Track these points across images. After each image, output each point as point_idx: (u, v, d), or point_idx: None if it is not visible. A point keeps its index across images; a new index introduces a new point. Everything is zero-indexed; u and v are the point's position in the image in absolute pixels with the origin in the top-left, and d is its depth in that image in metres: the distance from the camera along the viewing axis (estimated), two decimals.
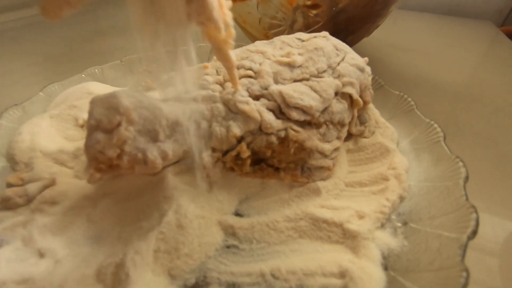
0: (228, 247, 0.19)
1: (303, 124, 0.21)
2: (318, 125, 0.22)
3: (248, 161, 0.21)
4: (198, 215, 0.19)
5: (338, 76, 0.23)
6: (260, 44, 0.25)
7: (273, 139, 0.20)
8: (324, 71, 0.23)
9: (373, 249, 0.18)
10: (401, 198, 0.21)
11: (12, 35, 0.55)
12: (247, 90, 0.21)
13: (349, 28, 0.38)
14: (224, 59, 0.19)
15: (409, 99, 0.27)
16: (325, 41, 0.25)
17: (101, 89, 0.29)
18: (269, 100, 0.21)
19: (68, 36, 0.54)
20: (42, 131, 0.25)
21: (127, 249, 0.17)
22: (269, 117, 0.20)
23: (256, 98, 0.21)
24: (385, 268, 0.17)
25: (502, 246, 0.21)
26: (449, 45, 0.55)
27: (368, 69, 0.25)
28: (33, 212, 0.19)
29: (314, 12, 0.36)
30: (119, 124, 0.17)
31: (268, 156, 0.21)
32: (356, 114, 0.25)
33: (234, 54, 0.19)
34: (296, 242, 0.19)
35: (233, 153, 0.20)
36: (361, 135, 0.26)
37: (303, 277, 0.17)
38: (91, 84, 0.30)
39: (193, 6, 0.16)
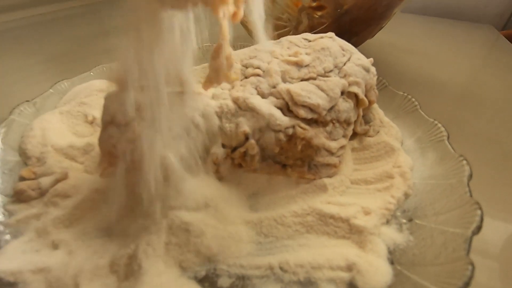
0: None
1: (310, 122, 0.22)
2: (324, 123, 0.22)
3: (256, 158, 0.21)
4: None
5: (344, 76, 0.24)
6: (268, 44, 0.26)
7: (281, 136, 0.21)
8: (331, 71, 0.23)
9: (379, 244, 0.18)
10: (406, 196, 0.21)
11: (22, 33, 0.55)
12: (256, 88, 0.22)
13: (353, 30, 0.38)
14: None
15: (413, 99, 0.28)
16: (332, 41, 0.25)
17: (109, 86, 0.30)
18: (277, 98, 0.22)
19: (75, 36, 0.55)
20: (52, 127, 0.25)
21: (139, 241, 0.17)
22: (278, 114, 0.21)
23: (265, 96, 0.22)
24: (391, 262, 0.18)
25: (502, 248, 0.21)
26: (450, 47, 0.56)
27: (373, 69, 0.26)
28: (46, 205, 0.19)
29: (319, 13, 0.37)
30: (132, 120, 0.18)
31: (276, 153, 0.22)
32: (361, 113, 0.25)
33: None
34: (304, 236, 0.19)
35: (242, 149, 0.21)
36: (366, 134, 0.26)
37: (311, 270, 0.17)
38: (100, 82, 0.30)
39: None
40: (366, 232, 0.18)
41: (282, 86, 0.21)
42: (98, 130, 0.22)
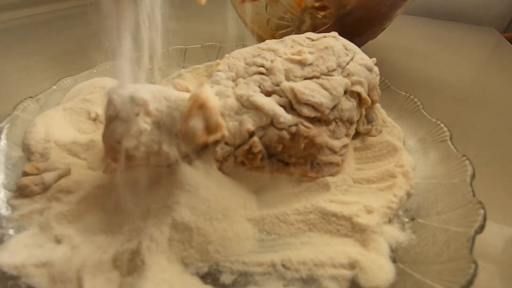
0: None
1: (313, 120, 0.22)
2: (327, 122, 0.22)
3: (259, 156, 0.21)
4: None
5: (348, 75, 0.24)
6: (271, 43, 0.26)
7: (285, 134, 0.21)
8: (334, 70, 0.24)
9: (381, 242, 0.18)
10: (408, 195, 0.21)
11: (26, 31, 0.56)
12: (259, 86, 0.22)
13: (356, 30, 0.38)
14: None
15: (416, 99, 0.28)
16: (335, 41, 0.25)
17: (113, 84, 0.30)
18: (280, 96, 0.22)
19: (78, 34, 0.55)
20: (55, 123, 0.25)
21: (142, 236, 0.17)
22: (281, 112, 0.21)
23: (268, 94, 0.22)
24: (394, 260, 0.18)
25: (503, 250, 0.21)
26: (452, 49, 0.56)
27: (376, 69, 0.26)
28: (49, 200, 0.19)
29: (322, 13, 0.37)
30: (137, 115, 0.18)
31: (279, 151, 0.22)
32: (364, 113, 0.25)
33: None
34: (306, 235, 0.19)
35: (245, 147, 0.21)
36: (368, 133, 0.26)
37: (313, 267, 0.17)
38: (103, 79, 0.30)
39: None
40: (368, 230, 0.18)
41: (286, 84, 0.21)
42: (101, 127, 0.22)
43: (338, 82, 0.23)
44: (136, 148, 0.18)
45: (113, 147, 0.18)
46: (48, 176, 0.20)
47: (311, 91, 0.21)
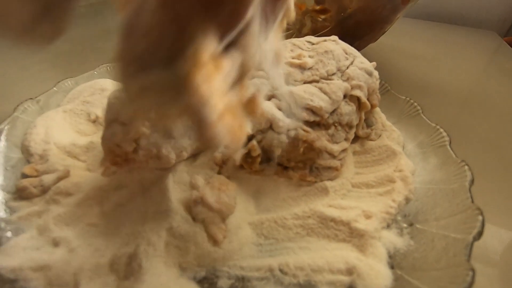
0: None
1: (312, 124, 0.22)
2: (327, 126, 0.22)
3: (258, 159, 0.21)
4: None
5: (347, 79, 0.24)
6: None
7: (283, 138, 0.21)
8: (334, 74, 0.24)
9: (379, 248, 0.18)
10: (407, 200, 0.21)
11: None
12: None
13: (357, 34, 0.38)
14: None
15: (415, 103, 0.28)
16: (335, 44, 0.25)
17: (113, 86, 0.30)
18: (280, 100, 0.22)
19: (80, 35, 0.55)
20: (55, 125, 0.25)
21: (140, 240, 0.17)
22: (280, 116, 0.21)
23: (268, 98, 0.22)
24: (392, 266, 0.17)
25: (502, 254, 0.21)
26: (453, 53, 0.56)
27: (376, 73, 0.26)
28: (48, 202, 0.19)
29: (322, 16, 0.37)
30: (136, 119, 0.18)
31: (278, 155, 0.22)
32: (363, 117, 0.25)
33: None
34: (304, 239, 0.19)
35: (244, 151, 0.21)
36: (367, 137, 0.26)
37: (311, 273, 0.17)
38: (103, 81, 0.30)
39: None
40: (366, 235, 0.18)
41: (285, 88, 0.21)
42: (101, 129, 0.22)
43: (338, 86, 0.23)
44: (135, 152, 0.18)
45: (112, 150, 0.18)
46: (47, 178, 0.20)
47: (310, 95, 0.21)
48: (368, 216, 0.20)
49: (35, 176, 0.21)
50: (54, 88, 0.29)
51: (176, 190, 0.20)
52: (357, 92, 0.23)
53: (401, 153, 0.24)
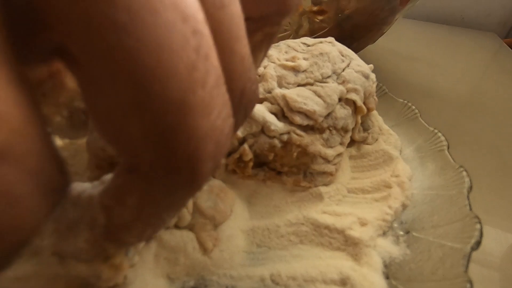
0: None
1: (306, 128, 0.21)
2: (321, 130, 0.22)
3: (250, 164, 0.21)
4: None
5: (343, 82, 0.23)
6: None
7: (276, 142, 0.20)
8: (329, 77, 0.23)
9: (374, 257, 0.18)
10: (404, 206, 0.21)
11: None
12: None
13: (354, 35, 0.38)
14: None
15: (413, 107, 0.27)
16: (331, 46, 0.25)
17: None
18: (272, 103, 0.21)
19: None
20: None
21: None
22: (272, 120, 0.20)
23: (260, 101, 0.21)
24: (387, 276, 0.17)
25: (502, 259, 0.21)
26: (452, 55, 0.55)
27: (372, 76, 0.25)
28: None
29: (320, 17, 0.36)
30: None
31: (270, 160, 0.21)
32: (359, 121, 0.25)
33: None
34: (297, 247, 0.19)
35: (236, 155, 0.20)
36: (364, 141, 0.26)
37: (303, 283, 0.17)
38: None
39: None
40: (361, 244, 0.18)
41: (278, 91, 0.21)
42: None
43: (333, 89, 0.22)
44: None
45: (96, 154, 0.17)
46: None
47: (304, 98, 0.21)
48: (363, 224, 0.19)
49: None
50: None
51: None
52: (352, 96, 0.23)
53: (398, 157, 0.24)
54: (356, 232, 0.18)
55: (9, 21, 0.06)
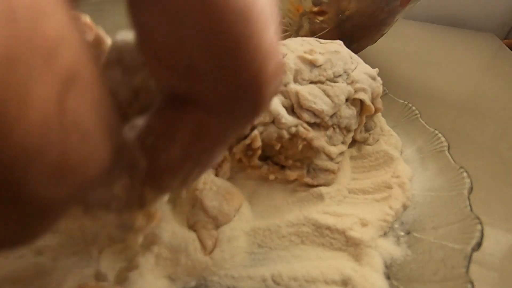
0: None
1: (312, 125, 0.21)
2: (325, 127, 0.22)
3: (258, 152, 0.21)
4: None
5: (352, 82, 0.23)
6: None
7: (284, 133, 0.20)
8: (340, 76, 0.23)
9: (375, 258, 0.18)
10: (405, 207, 0.21)
11: None
12: None
13: (355, 36, 0.38)
14: None
15: (414, 107, 0.28)
16: (342, 47, 0.25)
17: None
18: (285, 97, 0.21)
19: None
20: None
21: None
22: (283, 113, 0.20)
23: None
24: (388, 277, 0.17)
25: (503, 259, 0.21)
26: (452, 56, 0.55)
27: (379, 79, 0.25)
28: None
29: (320, 18, 0.36)
30: None
31: (276, 152, 0.21)
32: (364, 121, 0.25)
33: None
34: (298, 248, 0.19)
35: (247, 141, 0.20)
36: (365, 142, 0.26)
37: (304, 283, 0.17)
38: None
39: None
40: (362, 244, 0.18)
41: (292, 87, 0.21)
42: None
43: (341, 90, 0.22)
44: None
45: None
46: None
47: (314, 97, 0.21)
48: (364, 224, 0.19)
49: None
50: None
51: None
52: (361, 95, 0.23)
53: (398, 158, 0.24)
54: (357, 232, 0.18)
55: None
